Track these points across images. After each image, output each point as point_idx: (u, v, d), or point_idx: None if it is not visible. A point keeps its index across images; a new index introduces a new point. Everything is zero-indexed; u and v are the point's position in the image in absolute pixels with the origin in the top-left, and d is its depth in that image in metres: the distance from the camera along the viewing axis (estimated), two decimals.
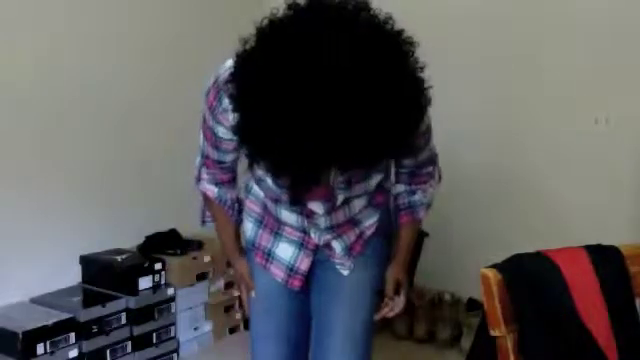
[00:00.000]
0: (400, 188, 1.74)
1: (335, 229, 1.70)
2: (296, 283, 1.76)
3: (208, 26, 3.38)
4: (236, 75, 1.24)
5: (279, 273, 1.76)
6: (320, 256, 1.75)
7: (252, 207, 1.78)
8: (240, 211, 1.82)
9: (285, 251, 1.75)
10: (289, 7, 1.24)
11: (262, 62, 1.18)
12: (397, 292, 1.81)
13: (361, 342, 1.75)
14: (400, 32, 1.27)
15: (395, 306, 1.80)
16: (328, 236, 1.71)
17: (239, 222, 1.84)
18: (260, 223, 1.77)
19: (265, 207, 1.74)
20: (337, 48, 1.14)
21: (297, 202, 1.56)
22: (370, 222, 1.75)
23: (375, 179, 1.63)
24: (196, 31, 3.35)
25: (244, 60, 1.23)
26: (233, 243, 1.85)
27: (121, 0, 3.16)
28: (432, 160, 1.71)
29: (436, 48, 3.27)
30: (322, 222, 1.67)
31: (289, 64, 1.15)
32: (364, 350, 1.76)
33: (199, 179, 1.75)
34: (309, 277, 1.77)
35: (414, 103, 1.24)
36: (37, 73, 2.86)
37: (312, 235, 1.70)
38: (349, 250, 1.73)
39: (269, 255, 1.77)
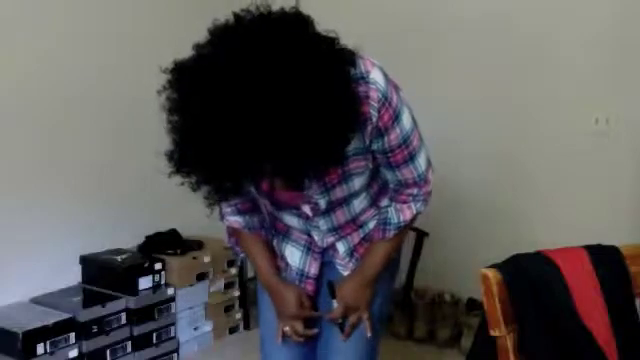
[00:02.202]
0: (385, 202, 1.69)
1: (338, 231, 1.69)
2: (308, 287, 1.75)
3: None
4: (175, 82, 1.31)
5: (294, 276, 1.76)
6: (326, 257, 1.75)
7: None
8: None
9: (292, 255, 1.74)
10: (236, 20, 1.33)
11: (195, 74, 1.27)
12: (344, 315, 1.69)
13: (365, 344, 1.73)
14: (331, 50, 1.32)
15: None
16: (331, 238, 1.70)
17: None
18: (273, 228, 1.78)
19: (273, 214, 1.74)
20: (252, 67, 1.21)
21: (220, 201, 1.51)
22: (375, 223, 1.72)
23: (357, 181, 1.58)
24: (198, 32, 3.34)
25: (181, 70, 1.31)
26: (270, 268, 1.75)
27: (121, 0, 3.16)
28: (417, 183, 1.61)
29: (435, 48, 3.30)
30: (322, 224, 1.66)
31: (211, 81, 1.23)
32: (368, 353, 1.75)
33: (222, 215, 1.73)
34: (319, 279, 1.76)
35: (324, 116, 1.24)
36: (37, 73, 2.85)
37: (315, 237, 1.70)
38: (352, 252, 1.73)
39: (282, 258, 1.77)
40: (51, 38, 2.89)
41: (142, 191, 3.28)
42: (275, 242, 1.78)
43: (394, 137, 1.50)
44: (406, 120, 1.51)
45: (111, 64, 3.10)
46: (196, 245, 3.30)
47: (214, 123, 1.21)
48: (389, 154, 1.54)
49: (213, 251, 3.30)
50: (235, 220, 1.73)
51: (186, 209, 3.30)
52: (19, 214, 2.83)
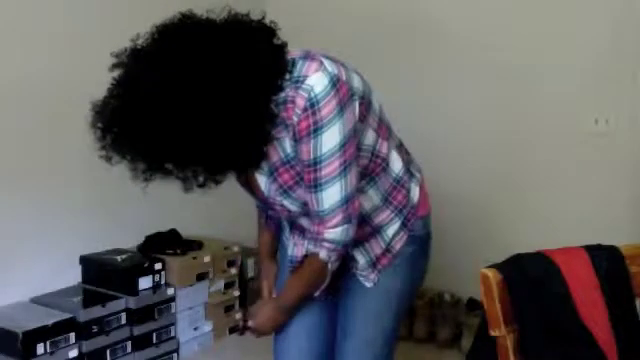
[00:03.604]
0: (399, 198, 1.68)
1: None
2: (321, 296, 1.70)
3: None
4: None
5: None
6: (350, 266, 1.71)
7: None
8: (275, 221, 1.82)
9: None
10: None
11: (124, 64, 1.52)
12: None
13: (378, 350, 1.73)
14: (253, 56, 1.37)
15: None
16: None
17: (275, 229, 1.83)
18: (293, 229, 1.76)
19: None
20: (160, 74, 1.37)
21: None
22: (394, 229, 1.67)
23: None
24: None
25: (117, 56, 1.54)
26: (264, 247, 1.86)
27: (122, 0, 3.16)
28: (322, 223, 1.51)
29: (435, 49, 3.30)
30: None
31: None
32: (381, 357, 1.74)
33: None
34: (337, 283, 1.73)
35: (218, 125, 1.33)
36: (36, 71, 2.85)
37: None
38: (374, 263, 1.68)
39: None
40: (49, 36, 2.89)
41: (142, 191, 3.27)
42: (301, 240, 1.74)
43: (306, 151, 1.43)
44: (329, 140, 1.41)
45: (111, 63, 3.09)
46: (196, 245, 3.30)
47: (122, 113, 1.42)
48: (304, 169, 1.47)
49: (213, 251, 3.31)
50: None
51: (186, 209, 3.32)
52: (19, 214, 2.82)
